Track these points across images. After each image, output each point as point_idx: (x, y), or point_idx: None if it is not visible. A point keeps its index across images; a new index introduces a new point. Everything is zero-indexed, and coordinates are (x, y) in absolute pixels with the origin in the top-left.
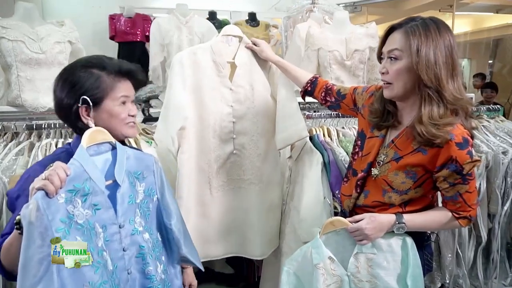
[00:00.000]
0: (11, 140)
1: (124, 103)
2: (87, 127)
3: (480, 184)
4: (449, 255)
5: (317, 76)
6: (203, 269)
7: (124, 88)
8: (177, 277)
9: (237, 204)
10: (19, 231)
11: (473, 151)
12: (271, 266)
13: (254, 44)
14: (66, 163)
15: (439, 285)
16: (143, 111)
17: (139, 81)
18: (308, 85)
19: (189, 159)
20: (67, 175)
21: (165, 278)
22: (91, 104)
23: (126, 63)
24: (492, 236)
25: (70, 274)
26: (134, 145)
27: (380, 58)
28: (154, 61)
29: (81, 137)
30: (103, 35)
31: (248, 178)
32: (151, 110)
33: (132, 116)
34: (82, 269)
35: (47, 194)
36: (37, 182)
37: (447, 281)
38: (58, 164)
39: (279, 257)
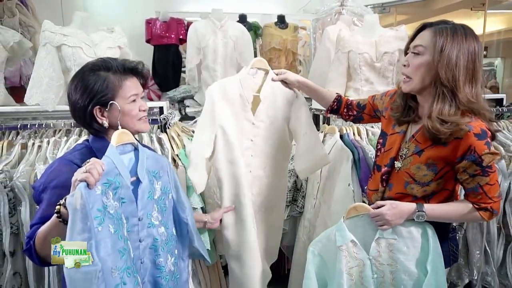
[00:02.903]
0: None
1: (134, 100)
2: (102, 127)
3: (510, 184)
4: (477, 251)
5: (340, 94)
6: (210, 262)
7: (132, 86)
8: (185, 270)
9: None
10: (60, 219)
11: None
12: (302, 260)
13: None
14: (88, 157)
15: (466, 281)
16: (179, 110)
17: (144, 76)
18: (335, 103)
19: (225, 197)
20: (103, 170)
21: (174, 270)
22: (110, 105)
23: (129, 61)
24: None
25: (105, 257)
26: (178, 142)
27: (406, 53)
28: (190, 64)
29: (97, 137)
30: (140, 38)
31: (268, 206)
32: (187, 110)
33: (144, 111)
34: (112, 254)
35: (88, 185)
36: (79, 175)
37: (475, 278)
38: (95, 160)
39: None
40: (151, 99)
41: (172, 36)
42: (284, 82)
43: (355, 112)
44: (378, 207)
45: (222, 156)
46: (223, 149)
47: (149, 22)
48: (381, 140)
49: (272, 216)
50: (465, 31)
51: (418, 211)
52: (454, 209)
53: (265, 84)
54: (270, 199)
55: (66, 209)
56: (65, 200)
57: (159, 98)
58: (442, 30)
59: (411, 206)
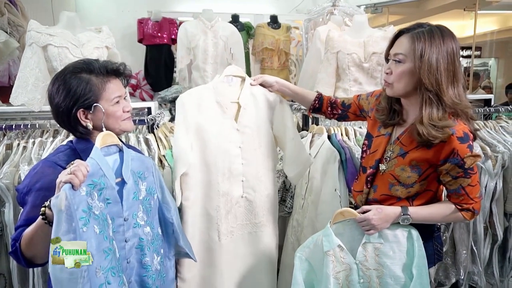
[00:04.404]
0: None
1: (118, 102)
2: (86, 129)
3: (496, 184)
4: (464, 251)
5: (320, 93)
6: (196, 260)
7: (115, 88)
8: (171, 269)
9: (249, 250)
10: (45, 221)
11: (475, 147)
12: (290, 261)
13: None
14: (72, 159)
15: (453, 280)
16: (170, 110)
17: (126, 77)
18: (316, 102)
19: (193, 206)
20: (87, 171)
21: (160, 269)
22: (94, 108)
23: (111, 63)
24: (509, 235)
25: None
26: (165, 143)
27: (387, 59)
28: (181, 64)
29: (81, 139)
30: (132, 38)
31: (260, 221)
32: None
33: (127, 111)
34: (97, 254)
35: (72, 187)
36: (64, 177)
37: (462, 277)
38: (79, 161)
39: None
40: (143, 99)
41: (164, 36)
42: (264, 86)
43: (339, 111)
44: (364, 212)
45: (196, 160)
46: (198, 153)
47: (141, 22)
48: (366, 142)
49: (266, 232)
50: (442, 33)
51: (403, 215)
52: (437, 211)
53: (244, 90)
54: (273, 211)
55: (51, 210)
56: (50, 201)
57: (152, 98)
58: (419, 35)
59: (396, 210)
